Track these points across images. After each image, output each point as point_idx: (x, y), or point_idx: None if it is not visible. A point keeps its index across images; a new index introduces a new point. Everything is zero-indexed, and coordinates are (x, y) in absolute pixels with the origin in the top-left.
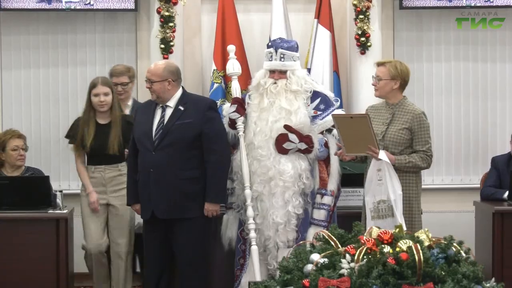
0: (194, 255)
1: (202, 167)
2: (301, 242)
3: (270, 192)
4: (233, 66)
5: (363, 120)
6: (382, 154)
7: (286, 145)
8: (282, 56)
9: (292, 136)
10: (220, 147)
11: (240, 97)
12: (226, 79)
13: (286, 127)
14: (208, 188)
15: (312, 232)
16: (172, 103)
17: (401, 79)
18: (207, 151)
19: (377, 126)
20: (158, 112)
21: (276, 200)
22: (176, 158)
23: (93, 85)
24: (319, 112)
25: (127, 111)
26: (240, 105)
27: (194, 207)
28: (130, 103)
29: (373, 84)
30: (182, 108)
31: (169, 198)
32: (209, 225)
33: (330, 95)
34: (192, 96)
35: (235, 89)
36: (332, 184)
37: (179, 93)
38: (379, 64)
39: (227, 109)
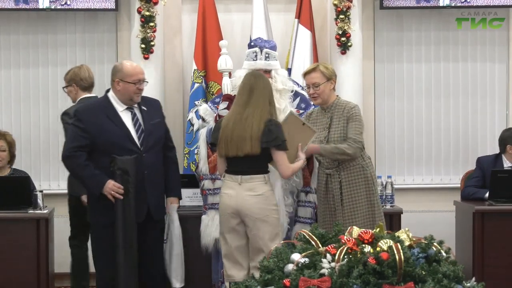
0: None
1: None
2: (284, 241)
3: None
4: (226, 62)
5: (310, 133)
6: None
7: None
8: (267, 55)
9: None
10: (173, 143)
11: (232, 94)
12: (207, 79)
13: None
14: (174, 183)
15: (298, 230)
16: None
17: (335, 76)
18: (167, 148)
19: (318, 132)
20: (126, 115)
21: None
22: (160, 157)
23: None
24: (301, 111)
25: None
26: (232, 102)
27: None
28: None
29: (311, 94)
30: (145, 109)
31: (161, 198)
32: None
33: (306, 95)
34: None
35: (227, 85)
36: (315, 181)
37: None
38: (309, 72)
39: (204, 110)
